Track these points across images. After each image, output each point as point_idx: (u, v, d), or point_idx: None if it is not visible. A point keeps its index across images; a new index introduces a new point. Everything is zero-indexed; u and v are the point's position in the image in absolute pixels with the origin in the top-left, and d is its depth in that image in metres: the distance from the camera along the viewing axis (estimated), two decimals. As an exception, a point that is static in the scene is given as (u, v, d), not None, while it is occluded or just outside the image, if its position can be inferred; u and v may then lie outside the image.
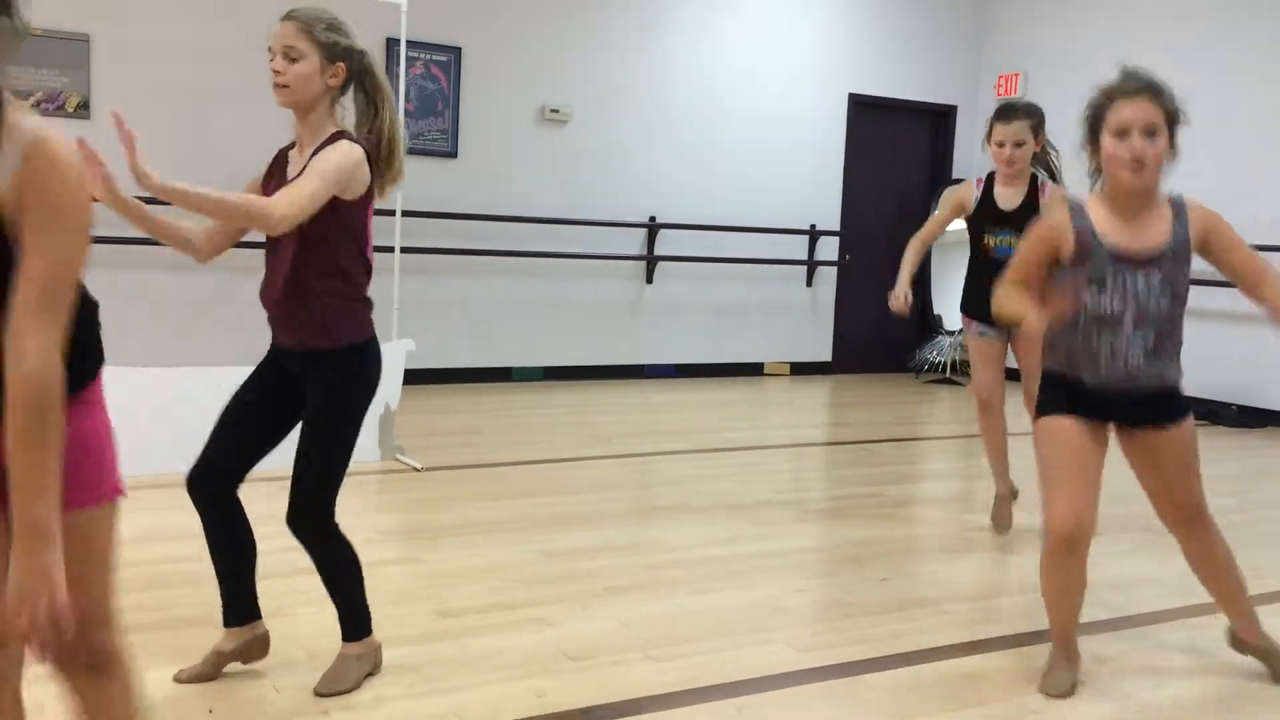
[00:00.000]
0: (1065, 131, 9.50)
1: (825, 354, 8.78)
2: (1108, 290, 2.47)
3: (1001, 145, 3.86)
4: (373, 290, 2.51)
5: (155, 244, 6.79)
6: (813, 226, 8.49)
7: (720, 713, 2.49)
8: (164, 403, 4.44)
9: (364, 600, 2.57)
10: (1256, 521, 4.50)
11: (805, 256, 8.53)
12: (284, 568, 3.25)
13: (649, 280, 7.90)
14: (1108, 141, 2.42)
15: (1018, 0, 8.86)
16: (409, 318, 7.03)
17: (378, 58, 2.52)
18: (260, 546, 2.51)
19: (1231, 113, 7.33)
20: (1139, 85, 2.42)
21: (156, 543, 3.56)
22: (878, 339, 9.09)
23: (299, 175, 2.35)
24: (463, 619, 2.99)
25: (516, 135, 7.33)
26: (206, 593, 3.00)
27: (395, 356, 4.91)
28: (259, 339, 2.60)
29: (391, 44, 6.76)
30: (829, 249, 8.64)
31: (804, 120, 8.40)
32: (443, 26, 6.99)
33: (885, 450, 5.79)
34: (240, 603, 2.55)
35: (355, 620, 2.56)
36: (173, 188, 2.24)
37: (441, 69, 7.03)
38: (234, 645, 2.55)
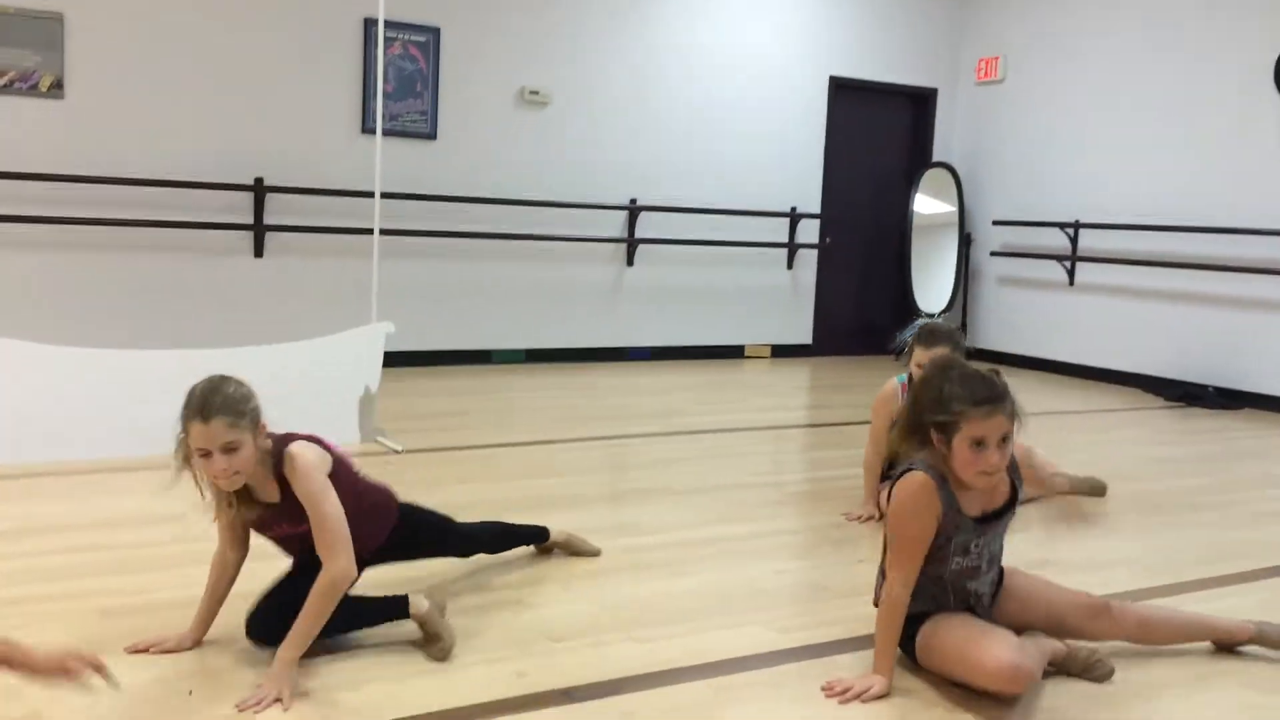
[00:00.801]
0: (1043, 121, 9.40)
1: (806, 337, 8.80)
2: (973, 552, 2.59)
3: (920, 368, 3.82)
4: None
5: (128, 225, 6.68)
6: (793, 209, 8.50)
7: (698, 693, 2.50)
8: (123, 386, 4.39)
9: None
10: (1233, 503, 4.55)
11: (786, 239, 8.54)
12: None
13: (630, 263, 7.89)
14: (962, 450, 2.46)
15: (998, -17, 8.87)
16: (388, 300, 6.99)
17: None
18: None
19: (1213, 94, 7.37)
20: (993, 400, 2.46)
21: (125, 527, 3.54)
22: (858, 322, 9.12)
23: (311, 515, 2.50)
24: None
25: (496, 117, 7.29)
26: (180, 575, 3.00)
27: (374, 339, 4.90)
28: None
29: (369, 24, 6.71)
30: (810, 232, 8.65)
31: (785, 103, 8.39)
32: (421, 6, 6.93)
33: (864, 432, 5.80)
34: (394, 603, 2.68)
35: None
36: (292, 661, 2.42)
37: (420, 49, 6.98)
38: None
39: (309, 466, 2.50)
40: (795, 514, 4.14)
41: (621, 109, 7.74)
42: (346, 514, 2.53)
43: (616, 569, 3.34)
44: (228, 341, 6.41)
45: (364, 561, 2.65)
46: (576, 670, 2.58)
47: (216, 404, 2.37)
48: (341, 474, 2.63)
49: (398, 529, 2.84)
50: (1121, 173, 7.96)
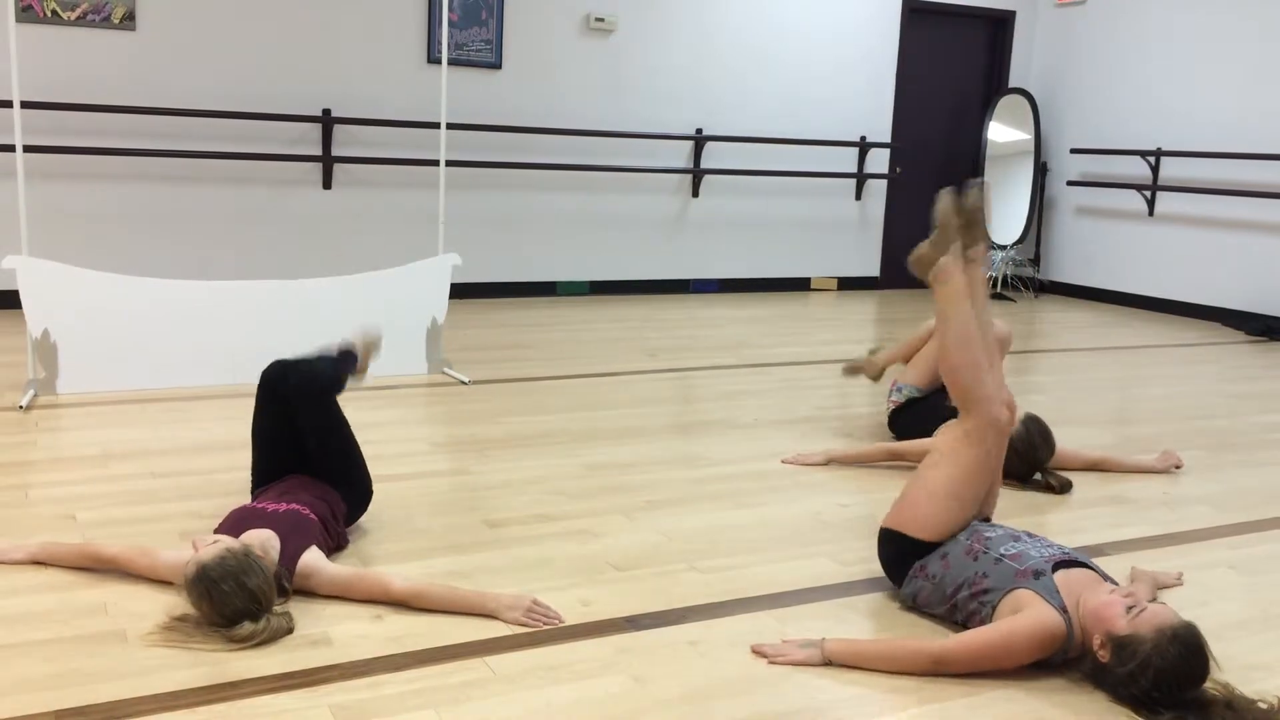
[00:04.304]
0: (1125, 45, 9.07)
1: (873, 269, 8.67)
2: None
3: None
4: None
5: (198, 156, 6.76)
6: (863, 139, 8.33)
7: (762, 622, 2.52)
8: (195, 316, 4.49)
9: None
10: (1312, 440, 4.43)
11: (855, 170, 8.38)
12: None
13: (695, 194, 7.82)
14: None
15: (1082, -101, 8.49)
16: (453, 231, 7.04)
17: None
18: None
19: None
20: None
21: (204, 453, 3.65)
22: (927, 254, 8.94)
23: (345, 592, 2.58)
24: (510, 529, 3.04)
25: (561, 45, 7.22)
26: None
27: (441, 270, 4.93)
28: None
29: (434, -49, 6.64)
30: (879, 162, 8.48)
31: (856, 27, 8.18)
32: (486, -67, 6.84)
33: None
34: None
35: None
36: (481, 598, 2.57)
37: (485, -23, 6.90)
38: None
39: (320, 577, 2.52)
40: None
41: (687, 36, 7.61)
42: (329, 547, 2.69)
43: (680, 500, 3.37)
44: (297, 272, 6.51)
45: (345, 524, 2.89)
46: (640, 599, 2.62)
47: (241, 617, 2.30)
48: (316, 540, 2.61)
49: (346, 495, 2.90)
50: (1205, 99, 7.65)
